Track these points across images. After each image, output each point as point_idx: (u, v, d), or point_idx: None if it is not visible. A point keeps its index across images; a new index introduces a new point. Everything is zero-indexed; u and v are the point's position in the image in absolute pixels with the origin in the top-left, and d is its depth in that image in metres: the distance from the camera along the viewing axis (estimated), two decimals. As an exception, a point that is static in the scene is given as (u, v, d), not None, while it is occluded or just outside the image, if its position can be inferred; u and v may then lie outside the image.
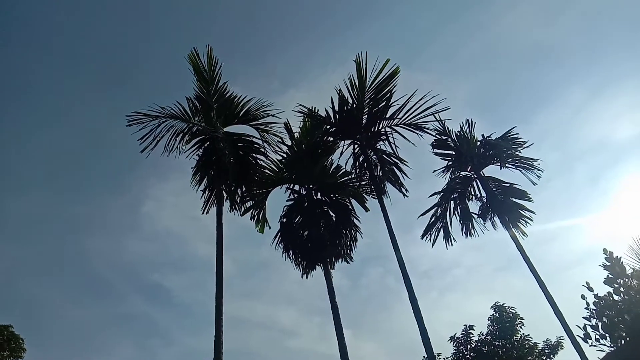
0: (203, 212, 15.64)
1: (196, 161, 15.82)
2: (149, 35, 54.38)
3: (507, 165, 18.05)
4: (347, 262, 16.47)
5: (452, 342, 19.88)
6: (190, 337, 47.39)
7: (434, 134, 17.43)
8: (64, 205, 49.24)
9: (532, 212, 17.58)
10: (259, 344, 46.23)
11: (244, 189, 16.41)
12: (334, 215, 16.58)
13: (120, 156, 54.39)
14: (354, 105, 15.78)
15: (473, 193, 18.57)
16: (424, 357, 17.85)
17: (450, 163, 18.73)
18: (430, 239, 18.43)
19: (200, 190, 15.70)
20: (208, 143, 15.78)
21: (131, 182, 54.03)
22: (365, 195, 16.97)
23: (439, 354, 19.30)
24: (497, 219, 17.67)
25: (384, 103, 15.65)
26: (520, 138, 17.97)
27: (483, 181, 18.07)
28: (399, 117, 15.69)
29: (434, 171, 18.87)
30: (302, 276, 16.30)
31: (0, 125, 45.67)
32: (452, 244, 18.55)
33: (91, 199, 51.13)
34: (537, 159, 17.63)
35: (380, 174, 15.80)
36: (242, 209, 16.73)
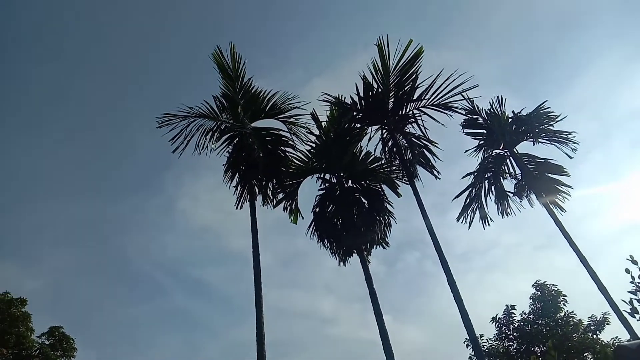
0: (237, 207, 15.99)
1: (227, 158, 16.21)
2: (166, 37, 55.26)
3: (540, 140, 17.81)
4: (383, 248, 16.70)
5: (494, 323, 19.85)
6: (234, 329, 48.66)
7: (464, 113, 17.30)
8: (105, 208, 51.01)
9: (570, 186, 17.41)
10: (300, 333, 47.00)
11: (275, 181, 16.71)
12: (366, 202, 16.74)
13: (153, 158, 55.85)
14: (380, 90, 15.84)
15: (507, 171, 18.42)
16: (466, 339, 17.97)
17: (481, 142, 18.60)
18: (466, 220, 18.43)
19: (233, 186, 16.07)
20: (237, 139, 16.13)
21: (166, 182, 55.37)
22: (396, 180, 17.01)
23: (481, 336, 19.29)
24: (533, 196, 17.53)
25: (409, 85, 15.64)
26: (552, 112, 17.66)
27: (517, 158, 17.88)
28: (426, 98, 15.67)
29: (466, 151, 18.82)
30: (339, 264, 16.60)
31: (44, 137, 47.74)
32: (488, 224, 18.53)
33: (129, 201, 52.97)
34: (571, 132, 17.36)
35: (411, 158, 15.81)
36: (275, 202, 17.05)
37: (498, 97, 18.23)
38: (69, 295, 42.41)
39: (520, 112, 18.03)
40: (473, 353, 18.68)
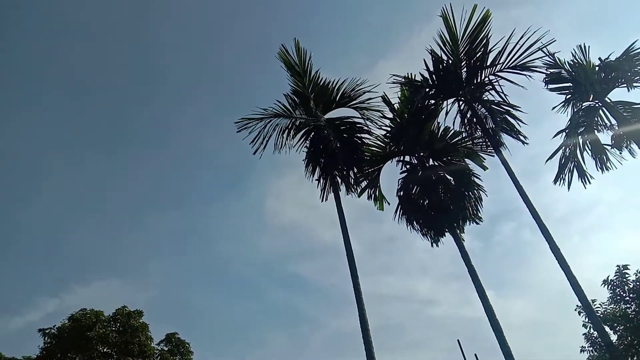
0: (322, 200, 16.54)
1: (305, 153, 16.80)
2: (225, 39, 57.00)
3: (635, 85, 16.69)
4: (476, 223, 16.56)
5: (605, 286, 19.06)
6: (335, 319, 50.31)
7: (544, 70, 16.61)
8: (199, 217, 54.70)
9: (676, 130, 16.19)
10: (401, 317, 47.66)
11: (355, 170, 17.05)
12: (451, 179, 16.68)
13: (234, 164, 58.69)
14: (450, 62, 15.65)
15: (601, 123, 17.49)
16: (578, 305, 17.50)
17: (569, 96, 17.77)
18: (564, 182, 17.78)
19: (315, 180, 16.62)
20: (313, 133, 16.68)
21: (250, 185, 58.08)
22: (480, 152, 16.75)
23: (593, 301, 18.61)
24: (634, 146, 16.57)
25: (481, 51, 15.30)
26: (645, 51, 16.47)
27: (610, 108, 16.94)
28: (500, 62, 15.24)
29: (553, 108, 18.06)
30: (432, 245, 16.74)
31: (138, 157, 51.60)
32: (589, 182, 17.73)
33: (220, 208, 56.16)
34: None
35: (493, 126, 15.47)
36: (358, 190, 17.46)
37: (580, 45, 17.30)
38: (178, 302, 45.81)
39: (607, 58, 17.01)
40: (587, 320, 18.14)
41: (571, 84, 17.54)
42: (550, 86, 17.72)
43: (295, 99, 16.74)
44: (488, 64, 15.41)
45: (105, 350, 21.19)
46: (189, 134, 58.64)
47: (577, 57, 17.25)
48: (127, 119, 58.54)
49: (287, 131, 16.68)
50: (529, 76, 15.12)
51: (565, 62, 17.26)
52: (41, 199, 51.57)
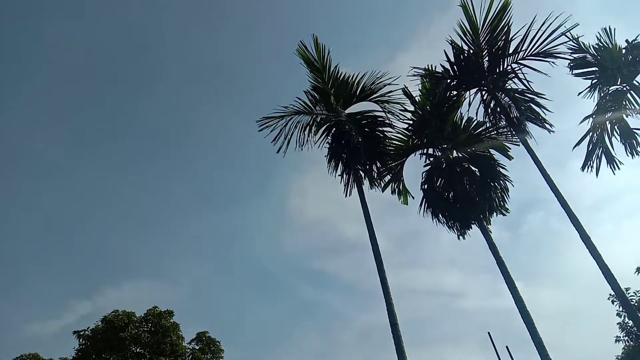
0: (346, 195, 16.65)
1: (327, 149, 16.96)
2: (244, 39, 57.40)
3: (665, 65, 16.34)
4: (503, 215, 16.44)
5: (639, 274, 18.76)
6: (364, 314, 50.53)
7: (569, 55, 16.38)
8: (225, 219, 55.62)
9: None
10: (431, 310, 47.63)
11: (378, 164, 17.14)
12: (476, 170, 16.55)
13: (257, 165, 59.34)
14: (471, 51, 15.53)
15: (630, 107, 17.14)
16: (610, 294, 17.28)
17: (595, 81, 17.45)
18: (592, 168, 17.49)
19: (338, 175, 16.75)
20: (334, 129, 16.83)
21: (274, 184, 58.66)
22: (505, 142, 16.58)
23: (627, 289, 18.35)
24: (666, 128, 16.22)
25: (502, 40, 15.14)
26: (675, 30, 16.09)
27: (639, 91, 16.59)
28: (523, 49, 15.04)
29: (579, 94, 17.74)
30: (458, 238, 16.70)
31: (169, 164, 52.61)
32: (618, 168, 17.42)
33: (246, 209, 56.91)
34: None
35: (518, 115, 15.31)
36: (382, 184, 17.50)
37: (605, 28, 16.97)
38: (206, 302, 46.62)
39: (635, 40, 16.64)
40: (621, 309, 17.90)
41: (597, 68, 17.23)
42: (575, 71, 17.43)
43: (316, 95, 16.88)
44: (510, 52, 15.24)
45: (138, 350, 21.75)
46: (210, 136, 59.53)
47: (602, 40, 16.93)
48: (149, 123, 59.54)
49: (308, 128, 16.85)
50: (553, 62, 14.93)
51: (590, 46, 16.96)
52: (74, 204, 52.93)
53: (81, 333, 22.23)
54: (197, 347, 22.94)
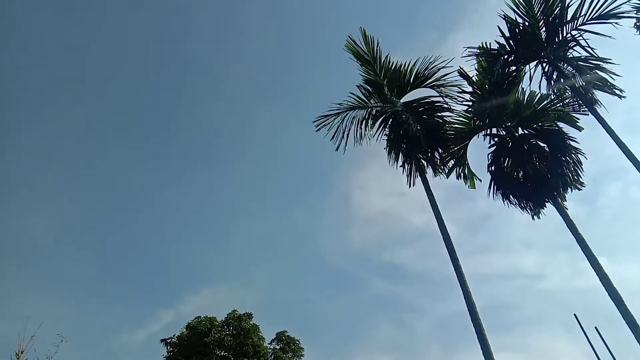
0: (409, 186, 16.65)
1: (386, 141, 17.08)
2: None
3: None
4: (579, 189, 15.88)
5: None
6: (439, 303, 49.94)
7: (633, 13, 15.51)
8: (289, 218, 57.12)
9: None
10: (509, 295, 46.31)
11: (440, 150, 17.05)
12: (545, 146, 16.10)
13: (318, 162, 60.42)
14: (527, 24, 15.15)
15: None
16: None
17: (666, 38, 16.44)
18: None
19: (400, 166, 16.81)
20: (391, 120, 16.94)
21: (335, 180, 59.40)
22: (573, 113, 15.98)
23: None
24: None
25: (558, 7, 14.65)
26: None
27: None
28: (582, 14, 14.48)
29: (650, 54, 16.80)
30: (532, 218, 16.32)
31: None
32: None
33: (308, 206, 58.14)
34: None
35: (583, 84, 14.72)
36: (446, 171, 17.38)
37: (675, -21, 15.94)
38: (281, 302, 47.99)
39: None
40: None
41: (668, 24, 16.24)
42: (645, 28, 16.53)
43: (369, 87, 17.04)
44: (568, 19, 14.71)
45: (222, 353, 22.81)
46: (265, 140, 61.22)
47: (673, -9, 15.93)
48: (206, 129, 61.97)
49: (364, 122, 17.04)
50: (616, 24, 14.26)
51: (659, 0, 16.00)
52: (145, 217, 56.12)
53: (168, 340, 23.61)
54: (277, 347, 23.76)
